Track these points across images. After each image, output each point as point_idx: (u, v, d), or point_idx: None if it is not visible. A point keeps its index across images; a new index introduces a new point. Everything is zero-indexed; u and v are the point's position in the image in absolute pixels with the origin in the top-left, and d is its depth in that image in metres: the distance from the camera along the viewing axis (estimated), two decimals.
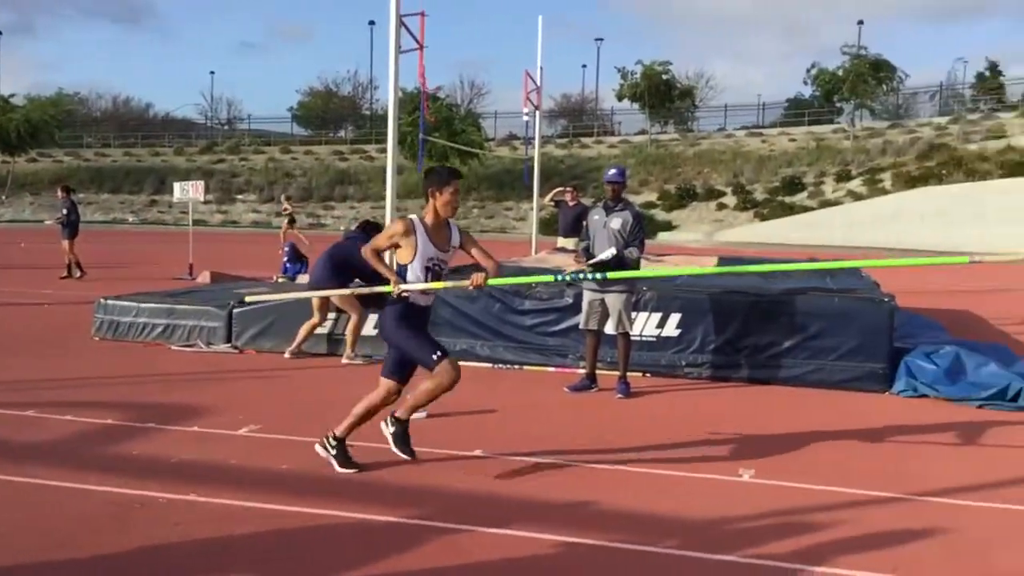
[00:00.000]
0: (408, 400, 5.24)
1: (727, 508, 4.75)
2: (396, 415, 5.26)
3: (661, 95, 51.46)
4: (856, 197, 36.99)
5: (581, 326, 7.80)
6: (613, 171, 7.82)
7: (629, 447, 5.83)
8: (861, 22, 55.37)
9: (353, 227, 9.55)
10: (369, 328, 8.93)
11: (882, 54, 45.92)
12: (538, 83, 16.72)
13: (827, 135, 48.42)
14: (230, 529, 4.26)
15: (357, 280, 8.77)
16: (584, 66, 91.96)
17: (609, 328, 7.64)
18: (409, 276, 5.12)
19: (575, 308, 8.12)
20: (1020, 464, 5.72)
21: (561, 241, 13.05)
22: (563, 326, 8.52)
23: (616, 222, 7.52)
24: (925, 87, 57.98)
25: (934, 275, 21.34)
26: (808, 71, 47.65)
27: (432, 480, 5.11)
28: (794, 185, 40.20)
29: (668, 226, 39.75)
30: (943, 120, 48.14)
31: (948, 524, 4.57)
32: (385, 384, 5.22)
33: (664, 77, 51.25)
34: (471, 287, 5.18)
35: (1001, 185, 31.99)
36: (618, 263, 7.36)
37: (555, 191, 13.58)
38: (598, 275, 6.41)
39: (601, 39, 67.67)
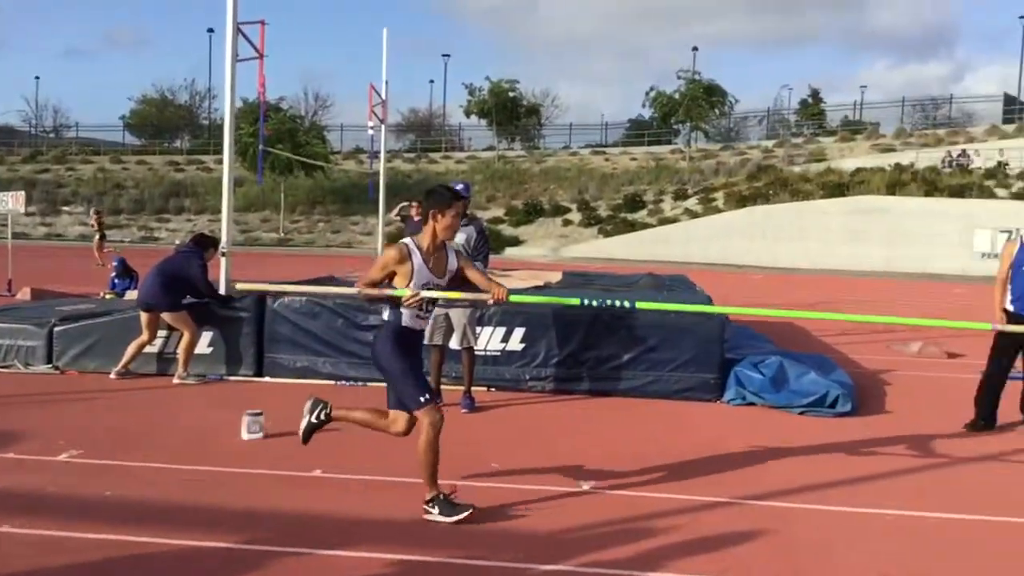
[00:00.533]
0: (420, 472, 4.75)
1: (567, 519, 4.81)
2: (428, 497, 4.74)
3: (508, 112, 52.27)
4: (692, 215, 38.64)
5: (425, 341, 7.72)
6: (460, 186, 7.82)
7: (471, 462, 5.82)
8: (695, 49, 57.80)
9: (187, 241, 9.14)
10: (203, 346, 8.58)
11: (715, 80, 48.34)
12: (383, 96, 16.60)
13: (665, 155, 50.46)
14: (45, 561, 3.97)
15: (188, 296, 8.43)
16: (432, 81, 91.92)
17: (453, 343, 7.63)
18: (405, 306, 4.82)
19: None
20: (838, 467, 6.07)
21: None
22: None
23: (460, 237, 7.53)
24: (754, 112, 61.51)
25: (763, 290, 22.56)
26: (647, 94, 49.53)
27: (266, 502, 4.93)
28: (635, 203, 41.60)
29: (515, 241, 40.26)
30: (770, 143, 51.12)
31: (774, 526, 4.79)
32: (396, 417, 4.98)
33: (511, 95, 52.08)
34: (491, 300, 4.93)
35: (821, 205, 34.18)
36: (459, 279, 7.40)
37: (401, 205, 13.48)
38: (617, 303, 5.82)
39: (448, 55, 68.11)
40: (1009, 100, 51.95)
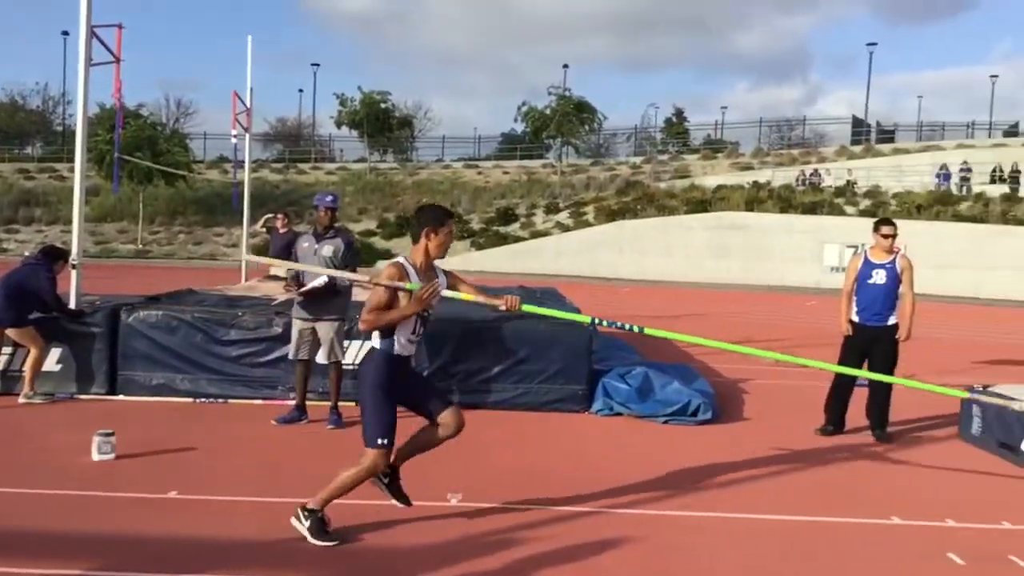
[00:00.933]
0: (328, 488, 4.67)
1: (434, 534, 4.76)
2: (310, 506, 4.65)
3: (380, 124, 51.81)
4: (564, 228, 39.27)
5: (291, 356, 7.55)
6: (329, 198, 7.68)
7: (332, 477, 5.68)
8: (566, 66, 58.87)
9: (35, 253, 8.62)
10: (51, 363, 8.10)
11: (585, 97, 49.38)
12: (248, 104, 16.17)
13: (537, 170, 51.15)
14: None
15: (35, 311, 7.95)
16: (301, 91, 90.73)
17: (320, 357, 7.46)
18: (400, 328, 4.63)
19: (284, 338, 7.86)
20: (700, 474, 6.24)
21: (273, 269, 12.64)
22: (272, 356, 8.21)
23: (328, 249, 7.39)
24: (622, 129, 63.11)
25: (631, 302, 23.11)
26: (519, 109, 50.09)
27: (122, 526, 4.68)
28: (508, 216, 41.96)
29: (387, 254, 39.90)
30: (638, 160, 52.56)
31: (640, 533, 4.88)
32: (444, 418, 4.87)
33: (383, 106, 51.67)
34: (503, 308, 4.76)
35: (685, 220, 35.37)
36: (330, 291, 7.26)
37: (265, 217, 13.18)
38: (635, 328, 5.55)
39: (318, 64, 67.03)
40: (857, 123, 55.17)
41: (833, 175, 39.87)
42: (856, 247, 26.58)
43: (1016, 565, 4.64)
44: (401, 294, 4.59)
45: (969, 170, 36.83)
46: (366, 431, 4.64)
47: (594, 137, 56.80)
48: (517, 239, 39.23)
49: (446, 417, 4.87)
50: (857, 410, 7.84)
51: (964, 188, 35.68)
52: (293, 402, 7.58)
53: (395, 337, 4.66)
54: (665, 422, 7.84)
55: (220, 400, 8.13)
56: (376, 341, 4.69)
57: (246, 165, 17.05)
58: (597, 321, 5.48)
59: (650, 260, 34.34)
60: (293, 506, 4.70)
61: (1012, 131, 51.04)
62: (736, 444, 7.22)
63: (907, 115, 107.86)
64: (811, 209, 34.38)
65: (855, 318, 7.77)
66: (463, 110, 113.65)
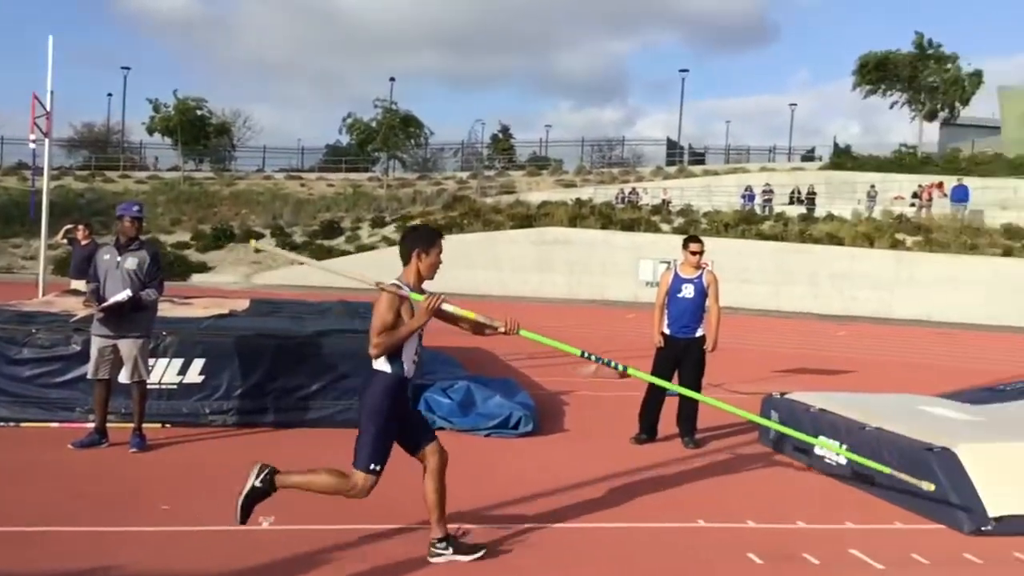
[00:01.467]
0: (300, 477, 4.70)
1: (241, 559, 4.55)
2: (273, 477, 4.67)
3: (196, 131, 49.72)
4: (390, 243, 38.90)
5: (90, 375, 7.05)
6: (135, 207, 7.25)
7: (139, 505, 5.35)
8: (393, 79, 58.59)
9: None
10: None
11: (411, 111, 49.30)
12: (48, 108, 15.07)
13: (363, 182, 50.54)
14: None
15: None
16: (110, 95, 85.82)
17: (123, 377, 7.01)
18: (405, 351, 4.59)
19: (83, 356, 7.33)
20: (519, 485, 6.29)
21: (74, 283, 11.81)
22: (69, 376, 7.64)
23: (131, 262, 6.96)
24: (450, 144, 63.49)
25: None
26: (344, 120, 49.39)
27: None
28: (332, 229, 41.18)
29: (203, 267, 38.26)
30: (464, 175, 52.99)
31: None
32: (431, 451, 4.76)
33: (199, 113, 49.61)
34: (503, 330, 4.71)
35: (511, 235, 35.93)
36: (133, 306, 6.84)
37: (66, 228, 12.34)
38: (619, 367, 5.53)
39: (128, 68, 63.42)
40: (672, 144, 57.97)
41: (650, 194, 41.67)
42: (668, 262, 27.91)
43: (809, 562, 4.94)
44: (403, 310, 4.54)
45: (771, 191, 39.43)
46: (360, 453, 4.60)
47: (421, 151, 56.86)
48: (342, 253, 38.57)
49: (433, 449, 4.80)
50: (669, 417, 8.16)
51: (766, 208, 38.13)
52: (92, 425, 7.09)
53: (402, 359, 4.61)
54: (487, 435, 7.88)
55: (11, 424, 7.50)
56: (384, 365, 4.61)
57: (45, 173, 15.85)
58: (587, 355, 5.43)
59: (477, 274, 34.60)
60: (94, 535, 4.37)
61: (809, 156, 55.08)
62: (556, 455, 7.35)
63: (717, 139, 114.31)
64: (630, 226, 35.73)
65: (666, 330, 8.11)
66: (286, 120, 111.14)
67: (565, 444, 7.86)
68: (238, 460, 6.81)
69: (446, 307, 4.63)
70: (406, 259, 4.74)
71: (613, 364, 5.45)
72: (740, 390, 11.25)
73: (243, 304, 11.34)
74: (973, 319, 27.88)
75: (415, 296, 4.55)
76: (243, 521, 4.65)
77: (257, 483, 4.64)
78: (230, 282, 35.48)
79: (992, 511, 5.59)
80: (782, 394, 8.33)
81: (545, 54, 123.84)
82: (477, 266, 34.70)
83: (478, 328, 4.83)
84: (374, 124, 47.74)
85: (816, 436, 7.30)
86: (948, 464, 5.82)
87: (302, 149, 61.64)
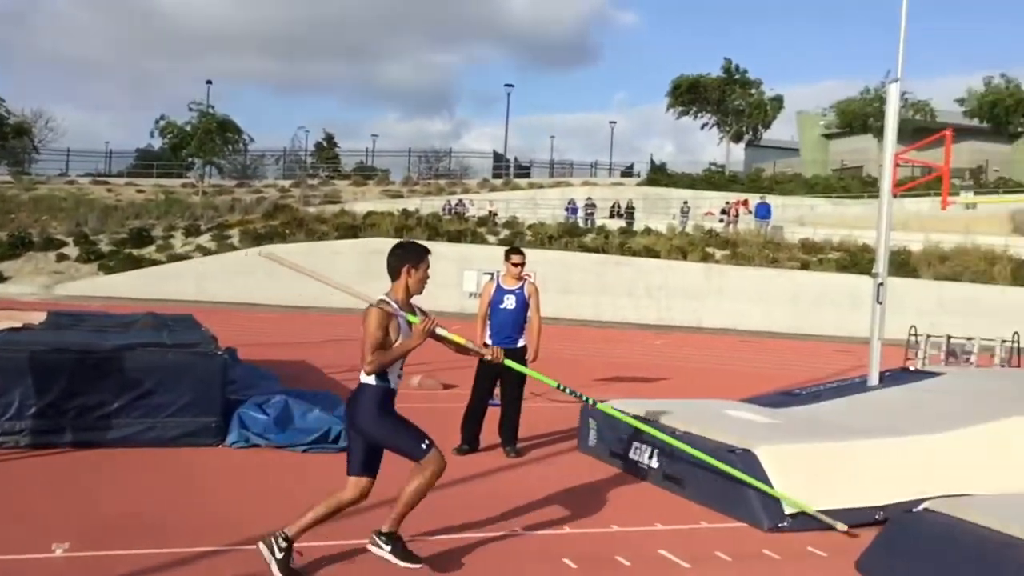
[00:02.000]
0: (397, 507, 4.77)
1: None
2: (385, 531, 4.78)
3: None
4: (205, 252, 37.39)
5: None
6: None
7: None
8: (210, 82, 56.33)
9: None
10: None
11: (230, 115, 47.64)
12: None
13: (176, 189, 48.32)
14: None
15: None
16: None
17: None
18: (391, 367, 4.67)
19: None
20: None
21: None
22: None
23: None
24: (271, 150, 61.83)
25: (274, 328, 22.51)
26: (157, 123, 47.10)
27: None
28: (142, 237, 39.08)
29: None
30: (287, 183, 51.68)
31: (263, 569, 4.66)
32: (357, 483, 4.74)
33: None
34: (488, 357, 5.09)
35: (335, 245, 35.30)
36: None
37: None
38: (588, 400, 6.04)
39: None
40: (498, 157, 58.93)
41: (476, 205, 42.10)
42: (492, 274, 28.27)
43: (621, 564, 5.08)
44: (391, 327, 4.62)
45: (593, 205, 40.75)
46: (406, 450, 4.75)
47: (240, 157, 55.02)
48: (153, 262, 36.68)
49: (365, 481, 4.81)
50: (491, 428, 8.21)
51: (589, 221, 39.38)
52: None
53: (388, 373, 4.68)
54: (305, 451, 7.65)
55: None
56: (371, 378, 4.67)
57: None
58: (562, 387, 5.70)
59: (298, 285, 33.79)
60: None
61: (628, 172, 57.45)
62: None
63: (542, 153, 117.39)
64: (456, 237, 35.94)
65: (488, 341, 8.15)
66: (93, 122, 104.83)
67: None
68: (32, 483, 6.32)
69: (438, 331, 4.78)
70: (395, 275, 4.85)
71: (584, 398, 5.94)
72: (561, 399, 11.49)
73: (40, 317, 10.55)
74: (775, 328, 29.83)
75: (411, 318, 4.69)
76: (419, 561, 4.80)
77: (391, 553, 4.76)
78: (27, 293, 32.97)
79: (788, 508, 5.95)
80: (597, 401, 8.55)
81: (371, 63, 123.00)
82: (298, 277, 33.86)
83: (462, 351, 5.10)
84: (189, 128, 45.79)
85: (632, 442, 7.56)
86: (749, 464, 6.15)
87: (110, 153, 58.39)
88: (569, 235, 36.02)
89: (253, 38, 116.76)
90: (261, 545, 4.63)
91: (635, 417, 7.74)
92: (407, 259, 4.83)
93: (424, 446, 4.75)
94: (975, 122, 51.13)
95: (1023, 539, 4.38)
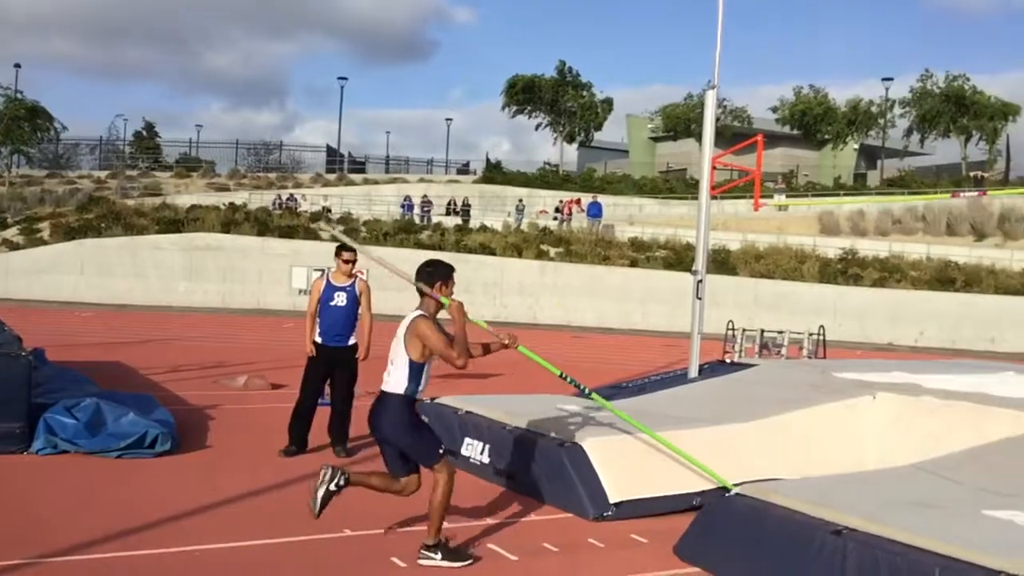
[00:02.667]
0: (432, 519, 5.01)
1: None
2: (430, 543, 5.00)
3: None
4: (12, 247, 34.76)
5: None
6: None
7: None
8: (18, 66, 52.34)
9: None
10: None
11: (40, 101, 44.50)
12: None
13: None
14: None
15: None
16: None
17: None
18: (424, 374, 5.16)
19: None
20: (153, 509, 5.83)
21: None
22: None
23: None
24: (86, 139, 58.14)
25: (92, 328, 21.23)
26: None
27: None
28: None
29: None
30: (103, 174, 48.77)
31: None
32: (409, 481, 5.20)
33: None
34: (507, 342, 5.51)
35: (156, 240, 33.62)
36: None
37: None
38: (584, 390, 6.07)
39: None
40: (332, 152, 57.74)
41: (309, 200, 41.16)
42: (322, 270, 27.73)
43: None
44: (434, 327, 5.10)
45: (429, 202, 40.68)
46: (422, 455, 5.09)
47: (52, 146, 51.48)
48: None
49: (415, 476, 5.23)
50: (321, 428, 8.03)
51: (425, 218, 39.29)
52: None
53: (422, 376, 5.14)
54: (119, 456, 7.23)
55: None
56: (401, 387, 5.08)
57: None
58: (564, 376, 5.97)
59: (117, 282, 31.98)
60: None
61: (464, 169, 57.67)
62: (197, 473, 6.93)
63: (377, 148, 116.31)
64: (288, 233, 34.99)
65: (318, 339, 7.97)
66: None
67: (208, 461, 7.44)
68: None
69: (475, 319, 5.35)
70: (422, 293, 5.38)
71: (582, 388, 6.04)
72: None
73: None
74: (607, 323, 30.78)
75: (444, 300, 5.17)
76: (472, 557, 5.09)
77: (443, 559, 4.96)
78: None
79: (613, 497, 6.13)
80: (432, 399, 8.54)
81: (197, 50, 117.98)
82: (116, 274, 32.09)
83: (485, 348, 5.58)
84: None
85: (463, 438, 7.59)
86: (577, 457, 6.31)
87: None
88: (405, 232, 35.79)
89: (68, 20, 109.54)
90: (422, 562, 4.96)
91: (468, 413, 7.79)
92: (438, 276, 5.32)
93: (440, 452, 5.11)
94: (787, 129, 54.54)
95: (826, 520, 4.69)
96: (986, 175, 48.37)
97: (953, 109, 50.07)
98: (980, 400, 6.91)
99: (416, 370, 5.09)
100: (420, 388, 5.16)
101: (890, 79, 52.64)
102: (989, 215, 37.27)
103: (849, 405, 7.32)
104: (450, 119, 66.60)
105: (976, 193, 29.98)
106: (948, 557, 4.03)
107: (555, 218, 39.63)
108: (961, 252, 33.75)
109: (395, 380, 5.10)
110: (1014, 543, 4.20)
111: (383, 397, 5.13)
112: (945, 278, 30.87)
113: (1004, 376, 8.92)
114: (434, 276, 5.33)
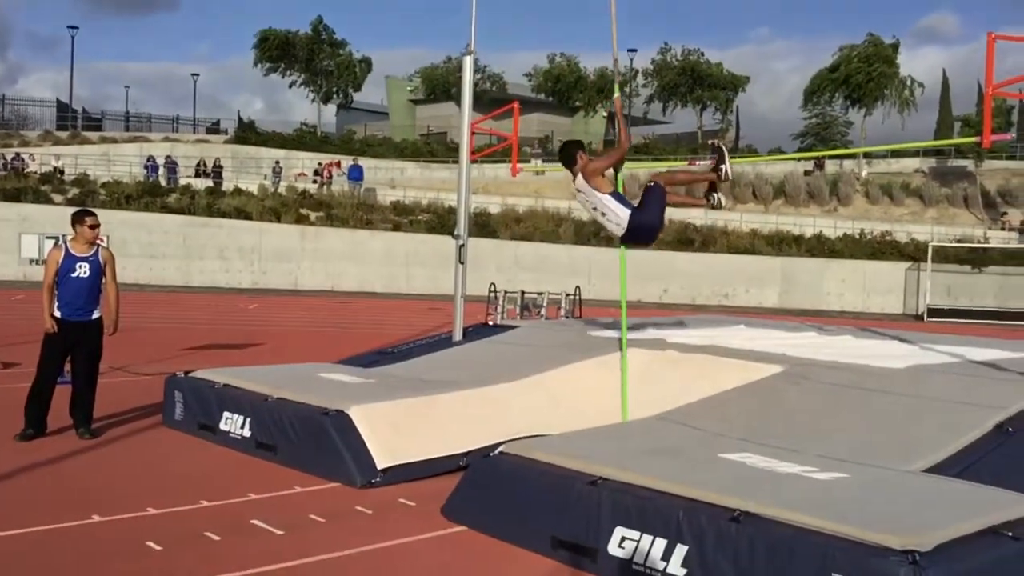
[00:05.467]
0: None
1: None
2: None
3: None
4: None
5: None
6: None
7: None
8: None
9: None
10: None
11: None
12: None
13: None
14: None
15: None
16: None
17: None
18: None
19: None
20: None
21: None
22: None
23: None
24: None
25: None
26: None
27: None
28: None
29: None
30: None
31: None
32: None
33: None
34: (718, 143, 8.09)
35: None
36: None
37: None
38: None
39: None
40: (63, 107, 52.88)
41: (39, 160, 37.56)
42: (56, 238, 25.46)
43: (210, 539, 4.87)
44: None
45: (176, 163, 38.38)
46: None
47: None
48: None
49: None
50: (62, 407, 7.43)
51: (172, 180, 37.03)
52: None
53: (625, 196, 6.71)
54: None
55: None
56: (625, 217, 6.59)
57: None
58: None
59: None
60: None
61: (215, 129, 54.79)
62: None
63: (115, 104, 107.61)
64: (15, 196, 31.81)
65: (57, 313, 7.34)
66: None
67: None
68: None
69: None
70: (571, 161, 6.82)
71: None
72: (145, 372, 10.76)
73: None
74: (371, 288, 30.63)
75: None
76: None
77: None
78: None
79: (381, 463, 6.14)
80: (187, 373, 8.13)
81: None
82: None
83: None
84: None
85: (222, 412, 7.29)
86: (342, 425, 6.24)
87: None
88: (150, 195, 33.57)
89: None
90: None
91: (226, 386, 7.48)
92: (577, 148, 6.98)
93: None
94: (542, 96, 56.32)
95: (582, 471, 4.95)
96: (719, 143, 52.46)
97: (690, 81, 53.79)
98: (715, 352, 7.54)
99: (618, 197, 6.64)
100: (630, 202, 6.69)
101: (634, 50, 55.79)
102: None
103: (602, 362, 7.74)
104: (196, 74, 63.05)
105: (709, 161, 32.45)
106: (690, 499, 4.38)
107: (314, 181, 38.73)
108: (698, 214, 36.59)
109: (620, 218, 6.56)
110: (745, 481, 4.64)
111: (628, 232, 6.64)
112: (685, 239, 33.33)
113: (736, 329, 9.79)
114: (572, 151, 6.87)
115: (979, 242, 33.67)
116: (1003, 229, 36.69)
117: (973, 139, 8.71)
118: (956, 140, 31.39)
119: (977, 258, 31.62)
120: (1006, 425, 5.38)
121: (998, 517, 4.07)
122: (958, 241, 33.60)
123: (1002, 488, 4.54)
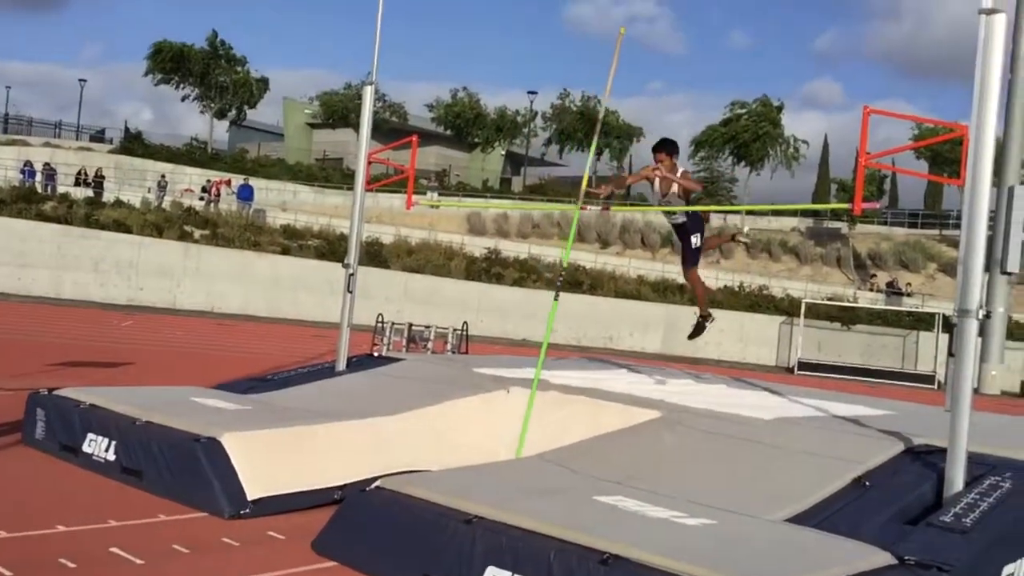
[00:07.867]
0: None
1: None
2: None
3: None
4: None
5: None
6: None
7: None
8: None
9: None
10: None
11: None
12: None
13: None
14: None
15: None
16: None
17: None
18: None
19: None
20: None
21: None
22: None
23: None
24: None
25: None
26: None
27: None
28: None
29: None
30: None
31: None
32: None
33: None
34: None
35: None
36: None
37: None
38: None
39: None
40: None
41: None
42: None
43: (65, 567, 4.63)
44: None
45: (55, 170, 36.78)
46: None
47: None
48: None
49: None
50: None
51: (49, 187, 35.43)
52: None
53: None
54: None
55: None
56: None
57: None
58: None
59: None
60: None
61: (99, 137, 52.85)
62: None
63: None
64: None
65: None
66: None
67: None
68: None
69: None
70: (674, 152, 8.49)
71: None
72: (5, 387, 10.18)
73: None
74: (255, 311, 29.89)
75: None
76: None
77: None
78: None
79: (251, 494, 5.97)
80: (51, 390, 7.75)
81: None
82: None
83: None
84: None
85: (85, 434, 6.97)
86: (213, 453, 6.05)
87: None
88: (25, 201, 31.98)
89: None
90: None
91: (92, 406, 7.16)
92: (670, 149, 8.55)
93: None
94: (441, 129, 56.56)
95: (458, 509, 4.93)
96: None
97: (587, 126, 55.00)
98: (596, 395, 7.67)
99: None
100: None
101: (535, 92, 56.74)
102: (612, 226, 41.53)
103: (485, 399, 7.77)
104: (84, 80, 60.79)
105: (600, 208, 33.12)
106: (563, 540, 4.43)
107: (201, 198, 37.70)
108: (588, 258, 37.24)
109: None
110: (616, 524, 4.72)
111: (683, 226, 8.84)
112: (574, 280, 33.85)
113: (618, 372, 9.99)
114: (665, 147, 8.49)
115: (849, 301, 35.34)
116: (871, 290, 38.66)
117: (846, 205, 9.21)
118: (830, 205, 33.04)
119: (846, 316, 33.15)
120: (864, 479, 5.65)
121: (851, 568, 4.26)
122: (829, 299, 35.19)
123: (856, 540, 4.76)
